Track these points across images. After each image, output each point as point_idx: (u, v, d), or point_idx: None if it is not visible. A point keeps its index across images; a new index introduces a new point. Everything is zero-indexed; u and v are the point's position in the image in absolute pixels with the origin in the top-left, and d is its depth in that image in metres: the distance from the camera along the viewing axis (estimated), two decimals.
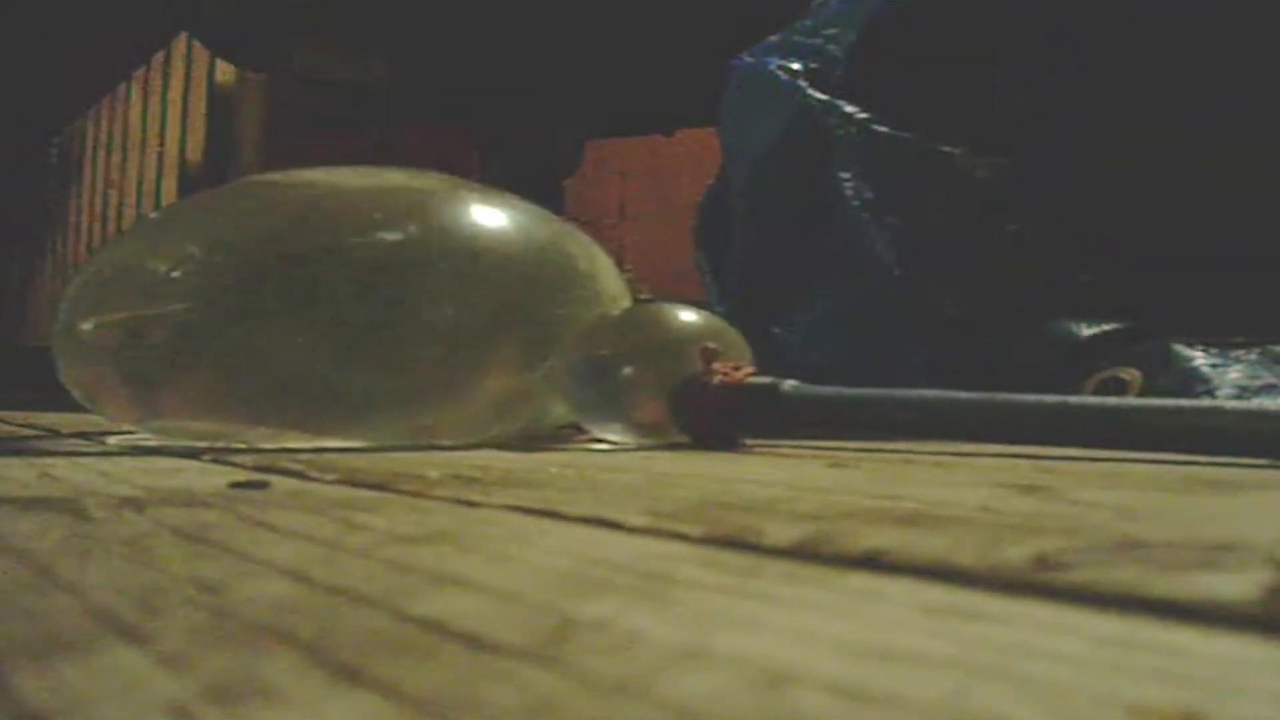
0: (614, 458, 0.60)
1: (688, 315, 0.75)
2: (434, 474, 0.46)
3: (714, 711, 0.13)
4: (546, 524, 0.30)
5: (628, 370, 0.71)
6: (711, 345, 0.70)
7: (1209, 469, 0.47)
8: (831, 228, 0.89)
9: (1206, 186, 0.83)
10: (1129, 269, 0.82)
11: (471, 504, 0.35)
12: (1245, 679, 0.14)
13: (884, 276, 0.85)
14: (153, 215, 0.75)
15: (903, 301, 0.85)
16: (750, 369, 0.69)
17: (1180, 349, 0.75)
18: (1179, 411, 0.56)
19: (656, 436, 0.71)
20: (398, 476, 0.44)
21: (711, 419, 0.68)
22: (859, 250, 0.87)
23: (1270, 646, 0.15)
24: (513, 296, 0.73)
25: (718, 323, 0.74)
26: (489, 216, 0.75)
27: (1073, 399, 0.62)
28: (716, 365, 0.69)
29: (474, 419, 0.72)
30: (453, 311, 0.71)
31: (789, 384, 0.67)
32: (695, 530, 0.27)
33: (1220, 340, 0.76)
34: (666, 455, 0.63)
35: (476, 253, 0.73)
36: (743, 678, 0.14)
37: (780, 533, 0.27)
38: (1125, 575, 0.20)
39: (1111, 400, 0.66)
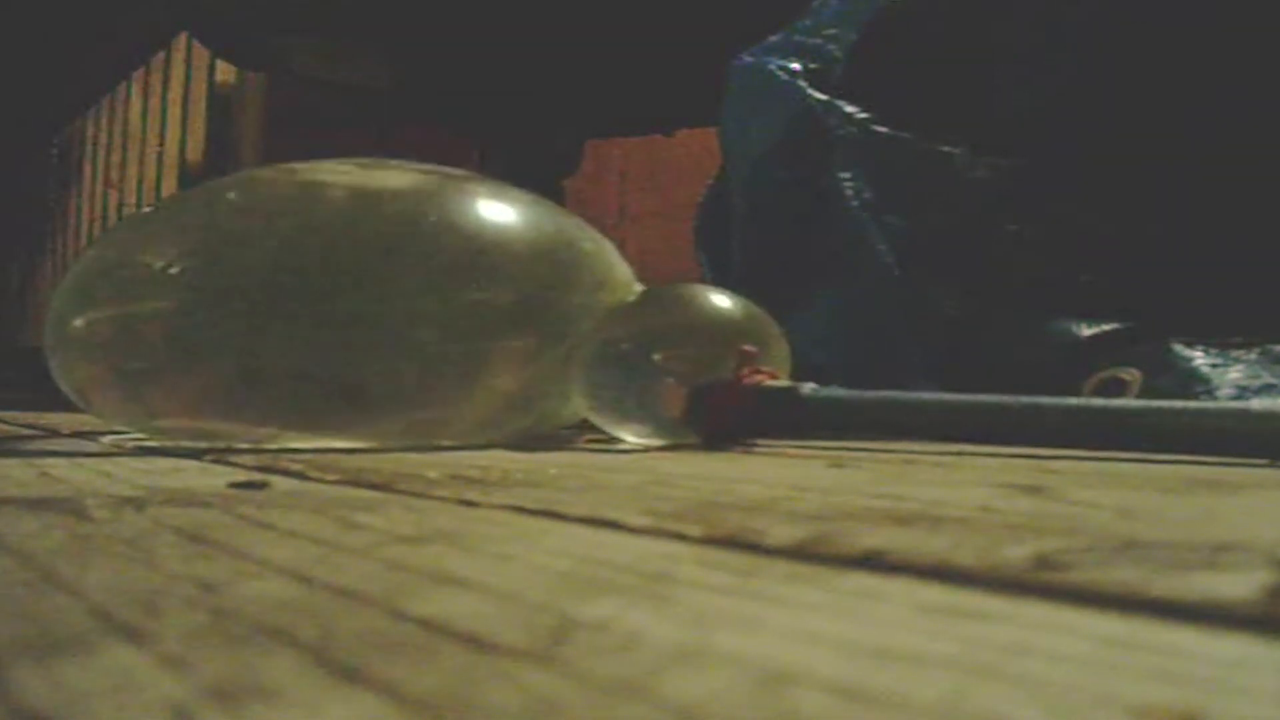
0: (615, 459, 0.60)
1: (721, 300, 0.72)
2: (434, 474, 0.46)
3: (714, 711, 0.13)
4: (547, 524, 0.30)
5: (655, 358, 0.70)
6: (749, 349, 0.69)
7: (1209, 469, 0.47)
8: (831, 228, 0.89)
9: (1206, 186, 0.83)
10: (1129, 269, 0.82)
11: (472, 504, 0.35)
12: (1246, 679, 0.14)
13: (884, 276, 0.85)
14: (147, 209, 0.74)
15: (903, 301, 0.85)
16: (769, 370, 0.68)
17: (1180, 349, 0.75)
18: (1194, 413, 0.56)
19: (676, 434, 0.69)
20: (398, 477, 0.44)
21: (731, 421, 0.68)
22: (859, 250, 0.87)
23: (1271, 646, 0.15)
24: (521, 288, 0.71)
25: (754, 310, 0.72)
26: (493, 209, 0.73)
27: (1100, 402, 0.62)
28: (747, 370, 0.68)
29: (480, 418, 0.72)
30: (458, 305, 0.70)
31: (808, 387, 0.67)
32: (696, 531, 0.27)
33: (1220, 340, 0.76)
34: (668, 456, 0.63)
35: (482, 245, 0.71)
36: (743, 677, 0.14)
37: (781, 533, 0.27)
38: (1125, 575, 0.20)
39: (1155, 403, 0.65)
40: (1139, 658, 0.15)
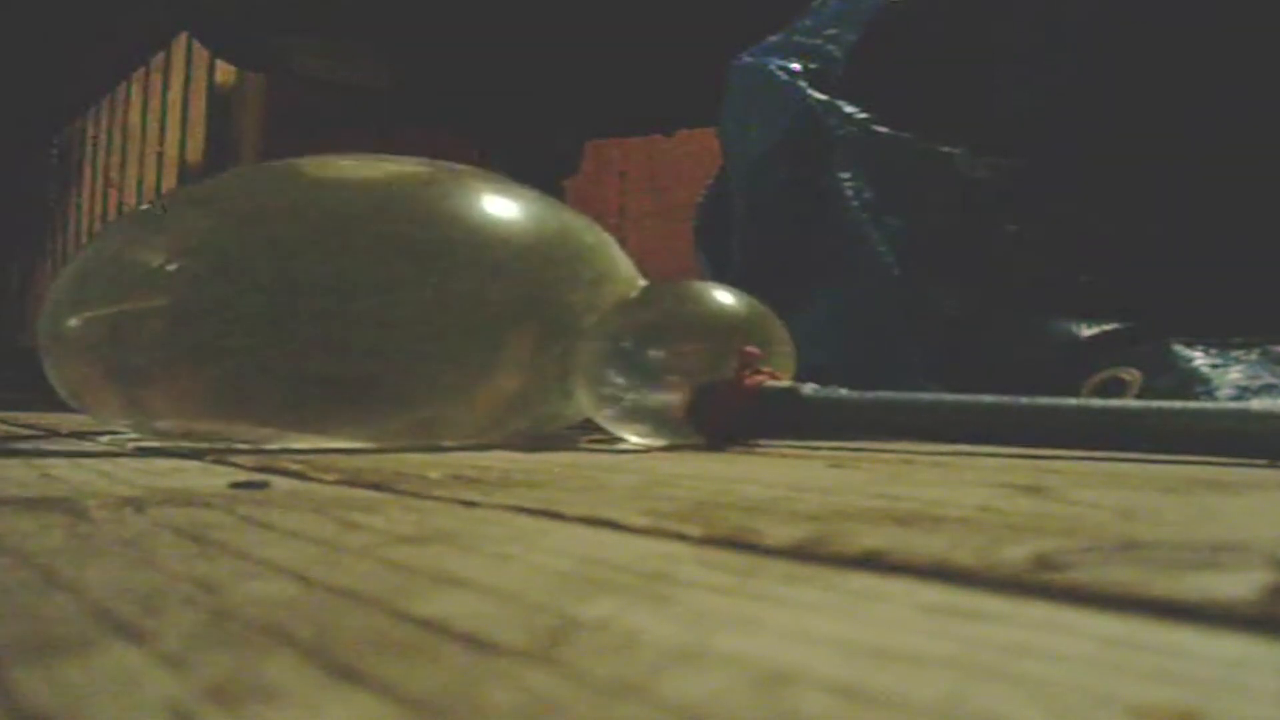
0: (616, 459, 0.60)
1: (726, 297, 0.72)
2: (434, 474, 0.46)
3: (714, 712, 0.13)
4: (547, 524, 0.30)
5: (659, 355, 0.69)
6: (752, 349, 0.68)
7: (1209, 469, 0.47)
8: (831, 228, 0.89)
9: (1206, 186, 0.83)
10: (1129, 269, 0.82)
11: (472, 504, 0.35)
12: (1246, 679, 0.14)
13: (884, 276, 0.85)
14: (143, 207, 0.73)
15: (903, 301, 0.85)
16: (770, 370, 0.68)
17: (1180, 349, 0.75)
18: (1193, 414, 0.56)
19: (679, 434, 0.69)
20: (398, 477, 0.44)
21: (732, 421, 0.68)
22: (859, 250, 0.87)
23: (1271, 646, 0.15)
24: (523, 284, 0.71)
25: (760, 308, 0.72)
26: (495, 204, 0.73)
27: (1100, 402, 0.62)
28: (748, 370, 0.67)
29: (481, 417, 0.71)
30: (460, 303, 0.69)
31: (809, 388, 0.67)
32: (695, 531, 0.27)
33: (1220, 340, 0.76)
34: (669, 456, 0.63)
35: (484, 240, 0.71)
36: (743, 678, 0.14)
37: (780, 533, 0.27)
38: (1125, 575, 0.20)
39: (1155, 404, 0.65)
40: (1139, 658, 0.15)
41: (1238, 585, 0.19)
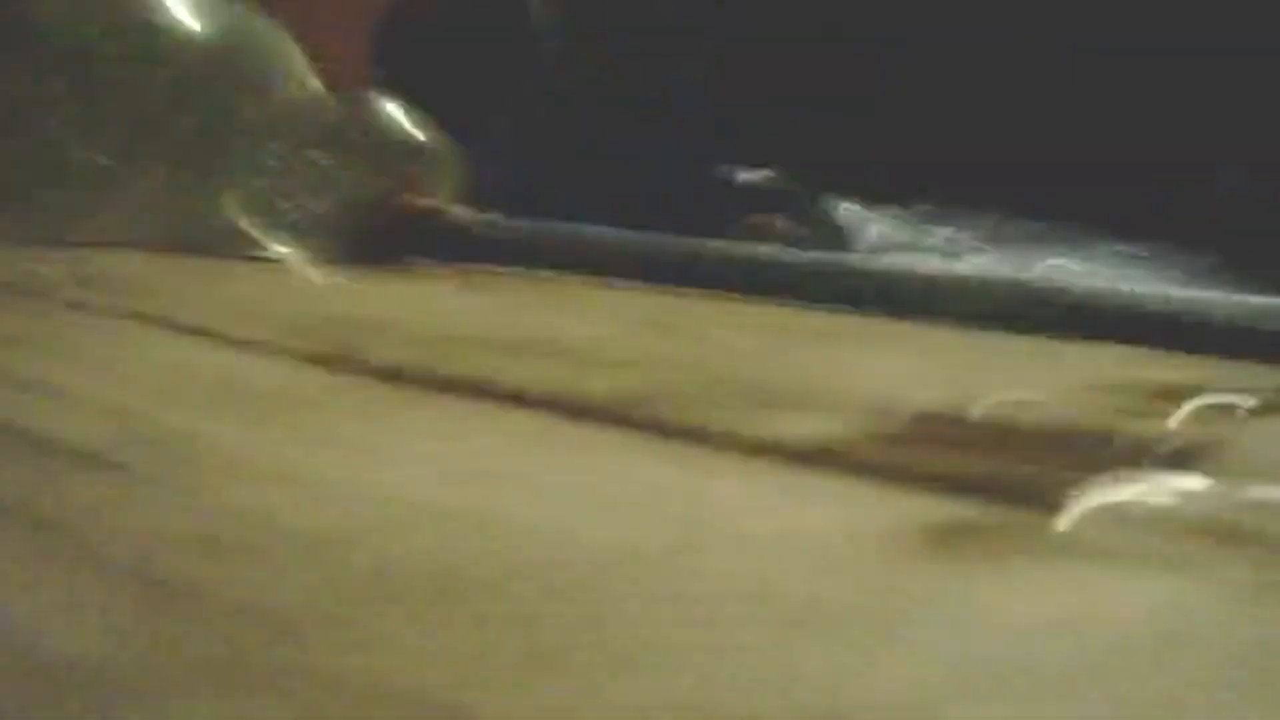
0: (248, 269, 0.58)
1: (394, 112, 0.69)
2: (46, 270, 0.43)
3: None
4: (160, 335, 0.29)
5: (316, 163, 0.66)
6: (410, 169, 0.67)
7: (816, 318, 0.49)
8: (517, 51, 0.88)
9: (867, 46, 0.85)
10: (786, 119, 0.85)
11: (78, 306, 0.33)
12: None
13: (560, 103, 0.85)
14: None
15: (578, 133, 0.85)
16: (427, 193, 0.67)
17: (826, 201, 0.78)
18: (814, 263, 0.58)
19: (326, 249, 0.67)
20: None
21: (379, 241, 0.66)
22: (540, 74, 0.86)
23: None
24: (179, 73, 0.66)
25: (427, 126, 0.70)
26: None
27: (748, 247, 0.63)
28: (404, 190, 0.66)
29: (120, 211, 0.67)
30: (106, 89, 0.65)
31: (462, 212, 0.66)
32: (302, 346, 0.27)
33: (867, 196, 0.79)
34: (306, 271, 0.61)
35: (136, 28, 0.66)
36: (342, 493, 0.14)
37: (386, 353, 0.27)
38: (705, 415, 0.21)
39: (792, 252, 0.66)
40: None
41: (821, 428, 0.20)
